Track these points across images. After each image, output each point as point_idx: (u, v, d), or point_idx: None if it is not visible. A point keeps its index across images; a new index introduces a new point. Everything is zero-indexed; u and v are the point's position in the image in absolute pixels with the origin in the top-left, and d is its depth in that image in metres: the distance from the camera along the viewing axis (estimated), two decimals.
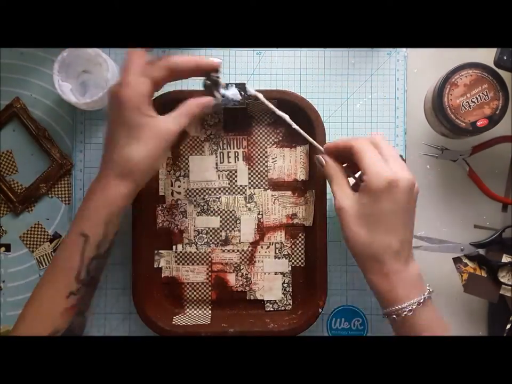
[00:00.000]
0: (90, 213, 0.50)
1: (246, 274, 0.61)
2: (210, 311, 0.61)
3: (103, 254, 0.50)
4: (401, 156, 0.51)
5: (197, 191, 0.62)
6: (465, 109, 0.57)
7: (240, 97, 0.54)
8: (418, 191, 0.49)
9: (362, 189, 0.48)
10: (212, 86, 0.52)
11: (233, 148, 0.62)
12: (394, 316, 0.47)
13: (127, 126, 0.49)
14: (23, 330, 0.48)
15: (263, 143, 0.62)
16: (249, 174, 0.62)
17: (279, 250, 0.61)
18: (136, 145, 0.49)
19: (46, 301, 0.49)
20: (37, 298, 0.49)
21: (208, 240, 0.61)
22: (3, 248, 0.62)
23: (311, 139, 0.54)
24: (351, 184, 0.51)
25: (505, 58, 0.57)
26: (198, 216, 0.61)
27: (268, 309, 0.61)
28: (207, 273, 0.61)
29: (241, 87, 0.54)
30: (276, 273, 0.61)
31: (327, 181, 0.55)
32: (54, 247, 0.62)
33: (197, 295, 0.61)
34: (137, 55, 0.49)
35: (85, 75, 0.58)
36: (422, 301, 0.47)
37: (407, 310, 0.46)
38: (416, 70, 0.64)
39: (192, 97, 0.51)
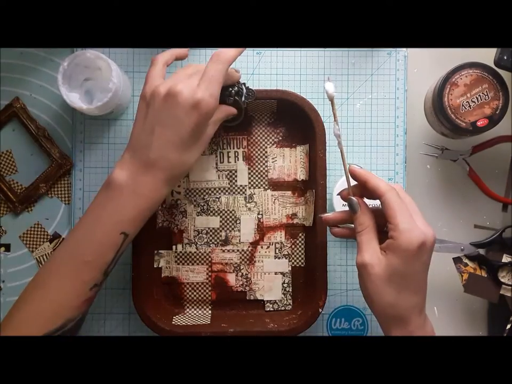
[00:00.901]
0: (134, 213, 0.49)
1: (246, 274, 0.61)
2: (210, 311, 0.61)
3: None
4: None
5: (197, 191, 0.62)
6: (465, 108, 0.57)
7: (250, 99, 0.56)
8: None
9: (391, 248, 0.45)
10: (236, 94, 0.55)
11: (233, 148, 0.62)
12: None
13: (198, 133, 0.50)
14: (27, 316, 0.48)
15: (263, 143, 0.62)
16: (249, 174, 0.62)
17: (279, 250, 0.61)
18: (194, 151, 0.51)
19: (63, 291, 0.48)
20: (47, 290, 0.48)
21: (208, 240, 0.61)
22: (3, 248, 0.62)
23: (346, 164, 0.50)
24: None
25: (505, 58, 0.57)
26: (198, 216, 0.61)
27: (268, 309, 0.61)
28: (207, 273, 0.61)
29: (250, 91, 0.56)
30: (275, 273, 0.61)
31: (353, 214, 0.49)
32: (53, 247, 0.62)
33: (197, 295, 0.61)
34: (217, 64, 0.49)
35: (87, 83, 0.58)
36: None
37: None
38: (416, 70, 0.64)
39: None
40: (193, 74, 0.50)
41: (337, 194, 0.51)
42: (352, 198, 0.48)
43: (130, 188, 0.49)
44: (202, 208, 0.61)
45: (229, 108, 0.54)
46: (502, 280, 0.60)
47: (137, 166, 0.49)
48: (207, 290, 0.62)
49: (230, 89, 0.54)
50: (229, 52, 0.50)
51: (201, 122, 0.49)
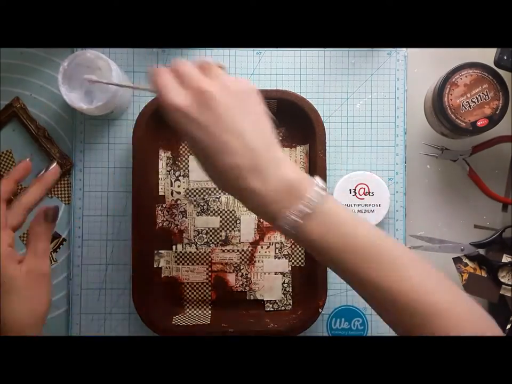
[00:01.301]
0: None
1: (246, 274, 0.61)
2: (210, 311, 0.61)
3: None
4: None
5: (197, 191, 0.62)
6: (465, 108, 0.57)
7: None
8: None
9: None
10: None
11: None
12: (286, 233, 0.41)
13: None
14: None
15: None
16: None
17: (279, 250, 0.61)
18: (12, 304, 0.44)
19: None
20: None
21: (208, 240, 0.61)
22: None
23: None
24: None
25: (505, 58, 0.57)
26: (198, 216, 0.61)
27: (268, 309, 0.61)
28: (207, 273, 0.61)
29: None
30: (275, 273, 0.61)
31: None
32: (53, 247, 0.62)
33: (197, 295, 0.61)
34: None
35: (87, 83, 0.58)
36: (300, 213, 0.40)
37: (288, 225, 0.40)
38: (416, 70, 0.64)
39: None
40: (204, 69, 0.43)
41: None
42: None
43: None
44: (202, 208, 0.61)
45: None
46: (502, 280, 0.60)
47: None
48: (207, 290, 0.62)
49: None
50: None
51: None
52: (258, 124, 0.42)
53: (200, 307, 0.61)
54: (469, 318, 0.42)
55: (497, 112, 0.57)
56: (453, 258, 0.61)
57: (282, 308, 0.61)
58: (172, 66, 0.43)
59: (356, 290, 0.43)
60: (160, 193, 0.62)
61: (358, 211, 0.60)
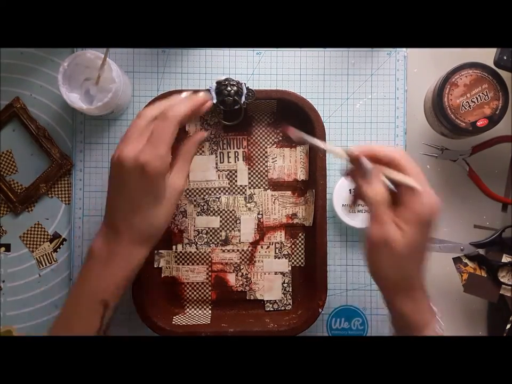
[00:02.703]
0: (110, 282, 0.49)
1: (246, 274, 0.61)
2: (210, 311, 0.61)
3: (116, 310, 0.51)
4: None
5: (197, 191, 0.62)
6: (465, 109, 0.57)
7: (250, 99, 0.56)
8: None
9: (407, 217, 0.44)
10: (236, 94, 0.55)
11: (233, 148, 0.62)
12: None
13: (153, 194, 0.49)
14: None
15: (263, 143, 0.62)
16: (249, 174, 0.62)
17: (279, 250, 0.61)
18: (158, 210, 0.49)
19: None
20: None
21: (208, 240, 0.61)
22: (3, 248, 0.62)
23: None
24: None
25: (505, 58, 0.57)
26: (198, 216, 0.61)
27: (268, 309, 0.61)
28: (207, 273, 0.61)
29: (250, 91, 0.56)
30: (275, 273, 0.61)
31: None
32: (54, 247, 0.62)
33: (197, 295, 0.61)
34: (164, 122, 0.48)
35: (87, 83, 0.58)
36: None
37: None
38: (416, 70, 0.64)
39: (190, 96, 0.52)
40: (145, 134, 0.48)
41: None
42: (372, 168, 0.45)
43: (104, 258, 0.49)
44: (202, 208, 0.61)
45: (195, 139, 0.53)
46: (502, 280, 0.60)
47: (108, 236, 0.49)
48: (207, 290, 0.62)
49: (230, 89, 0.54)
50: (177, 108, 0.49)
51: (152, 184, 0.48)
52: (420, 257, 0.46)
53: (200, 307, 0.61)
54: None
55: (497, 112, 0.57)
56: (453, 258, 0.61)
57: (282, 308, 0.61)
58: None
59: None
60: None
61: (358, 211, 0.60)
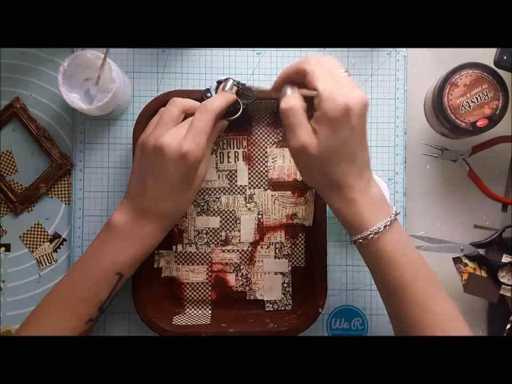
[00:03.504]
0: (130, 256, 0.52)
1: (246, 274, 0.61)
2: (210, 311, 0.61)
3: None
4: (347, 71, 0.47)
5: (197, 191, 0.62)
6: (465, 109, 0.57)
7: (250, 99, 0.56)
8: (368, 107, 0.47)
9: (318, 119, 0.45)
10: (236, 94, 0.55)
11: (233, 148, 0.62)
12: (361, 241, 0.47)
13: (187, 181, 0.52)
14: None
15: (263, 143, 0.62)
16: (249, 174, 0.62)
17: (279, 250, 0.61)
18: (186, 195, 0.53)
19: (58, 324, 0.50)
20: (45, 320, 0.50)
21: (208, 240, 0.61)
22: (3, 248, 0.62)
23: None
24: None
25: (505, 58, 0.57)
26: (198, 216, 0.61)
27: (268, 309, 0.61)
28: (207, 273, 0.61)
29: (250, 91, 0.56)
30: (275, 273, 0.61)
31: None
32: (54, 247, 0.62)
33: (197, 295, 0.61)
34: (204, 114, 0.51)
35: (87, 83, 0.58)
36: (388, 223, 0.46)
37: (373, 232, 0.46)
38: (416, 70, 0.64)
39: (223, 93, 0.54)
40: (182, 124, 0.52)
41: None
42: (285, 86, 0.49)
43: (127, 233, 0.52)
44: (202, 208, 0.61)
45: (217, 127, 0.55)
46: (502, 280, 0.60)
47: (133, 213, 0.52)
48: (207, 290, 0.62)
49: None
50: (215, 102, 0.52)
51: (190, 171, 0.51)
52: (363, 147, 0.47)
53: (200, 307, 0.61)
54: None
55: (497, 112, 0.57)
56: (453, 258, 0.61)
57: (282, 308, 0.61)
58: None
59: (392, 308, 0.49)
60: None
61: None
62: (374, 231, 0.46)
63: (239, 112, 0.57)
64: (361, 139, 0.46)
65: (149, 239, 0.53)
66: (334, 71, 0.46)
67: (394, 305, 0.48)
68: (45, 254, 0.62)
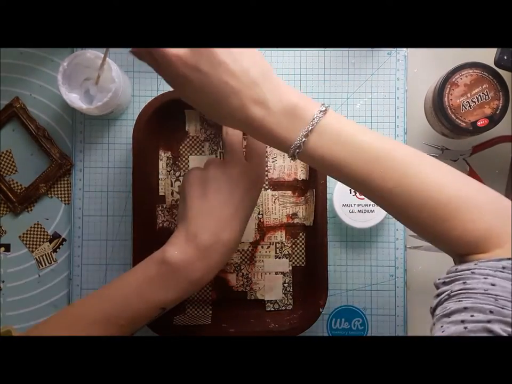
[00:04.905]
0: (180, 295, 0.49)
1: (246, 274, 0.61)
2: (210, 311, 0.61)
3: None
4: None
5: None
6: (466, 108, 0.57)
7: None
8: None
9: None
10: None
11: None
12: (295, 155, 0.43)
13: (252, 206, 0.51)
14: None
15: None
16: None
17: (279, 250, 0.61)
18: (243, 227, 0.50)
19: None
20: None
21: None
22: (3, 248, 0.62)
23: None
24: None
25: (505, 58, 0.57)
26: None
27: (269, 309, 0.61)
28: None
29: None
30: (276, 273, 0.61)
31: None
32: (53, 247, 0.62)
33: (197, 295, 0.61)
34: (254, 140, 0.48)
35: (87, 83, 0.58)
36: (306, 132, 0.41)
37: (296, 147, 0.42)
38: (416, 70, 0.64)
39: None
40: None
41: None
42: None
43: (183, 273, 0.48)
44: None
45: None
46: None
47: (193, 251, 0.48)
48: (208, 290, 0.61)
49: None
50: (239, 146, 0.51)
51: (256, 194, 0.51)
52: (253, 57, 0.44)
53: (200, 307, 0.61)
54: (490, 207, 0.42)
55: (497, 112, 0.57)
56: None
57: (283, 308, 0.61)
58: None
59: (373, 201, 0.44)
60: (160, 193, 0.61)
61: (358, 211, 0.60)
62: (297, 145, 0.42)
63: None
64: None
65: (205, 280, 0.49)
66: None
67: (374, 197, 0.44)
68: (45, 254, 0.62)
